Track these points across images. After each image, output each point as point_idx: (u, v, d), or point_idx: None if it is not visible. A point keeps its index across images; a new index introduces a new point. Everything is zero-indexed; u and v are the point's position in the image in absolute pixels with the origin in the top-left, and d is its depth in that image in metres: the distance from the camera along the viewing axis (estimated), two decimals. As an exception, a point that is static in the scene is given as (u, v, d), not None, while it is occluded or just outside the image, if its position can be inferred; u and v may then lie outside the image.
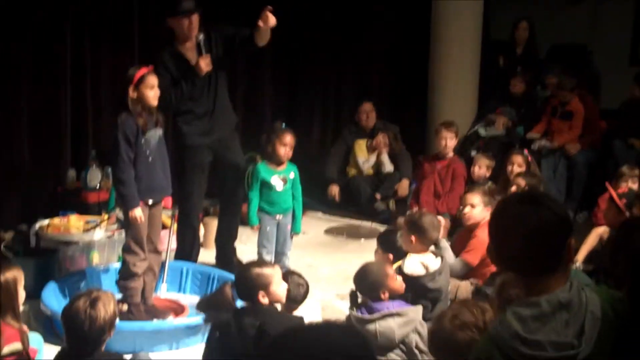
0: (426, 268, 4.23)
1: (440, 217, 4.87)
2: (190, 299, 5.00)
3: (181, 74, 5.09)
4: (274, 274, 3.54)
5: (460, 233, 5.32)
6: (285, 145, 5.09)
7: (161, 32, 6.73)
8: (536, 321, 2.12)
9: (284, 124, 5.26)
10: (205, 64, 5.04)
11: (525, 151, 6.35)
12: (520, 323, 2.12)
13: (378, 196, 7.40)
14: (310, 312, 4.41)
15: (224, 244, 5.57)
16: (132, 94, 4.30)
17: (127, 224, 4.50)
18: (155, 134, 4.46)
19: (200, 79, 5.11)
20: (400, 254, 4.38)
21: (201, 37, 5.09)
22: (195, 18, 5.09)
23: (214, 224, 5.85)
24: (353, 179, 7.54)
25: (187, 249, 5.42)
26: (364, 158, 7.60)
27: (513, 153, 6.25)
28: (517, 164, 6.07)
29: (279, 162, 5.17)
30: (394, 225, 5.55)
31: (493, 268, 4.68)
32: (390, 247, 4.49)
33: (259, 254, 5.16)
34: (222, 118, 5.32)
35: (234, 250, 5.59)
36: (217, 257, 5.59)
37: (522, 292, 2.23)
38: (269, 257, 5.15)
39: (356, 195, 7.45)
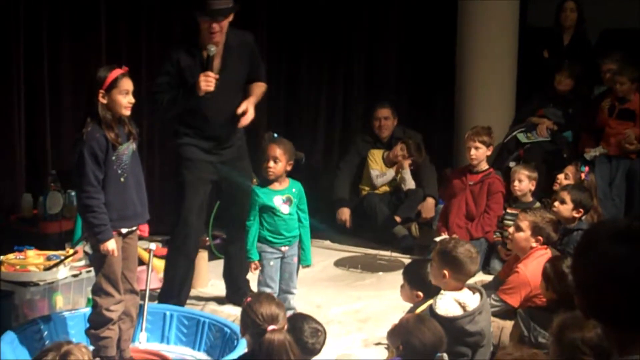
0: (463, 307, 4.22)
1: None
2: (175, 350, 4.98)
3: (191, 78, 5.16)
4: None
5: (508, 262, 5.40)
6: (268, 159, 5.08)
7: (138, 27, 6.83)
8: None
9: (275, 134, 5.28)
10: (205, 83, 5.08)
11: (587, 169, 6.42)
12: None
13: (398, 219, 7.41)
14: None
15: (237, 278, 5.72)
16: (102, 99, 4.31)
17: (96, 260, 4.48)
18: (129, 149, 4.45)
19: (208, 94, 5.16)
20: (432, 291, 4.37)
21: (213, 49, 5.14)
22: (223, 24, 5.14)
23: (203, 257, 5.88)
24: (367, 197, 7.55)
25: (176, 288, 5.46)
26: (377, 171, 7.59)
27: (568, 164, 6.46)
28: (565, 176, 6.34)
29: (269, 181, 5.17)
30: (422, 255, 5.56)
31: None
32: (420, 283, 4.48)
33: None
34: (233, 140, 5.47)
35: (247, 283, 5.74)
36: (230, 293, 5.74)
37: (614, 350, 2.18)
38: (273, 298, 5.14)
39: (371, 216, 7.45)
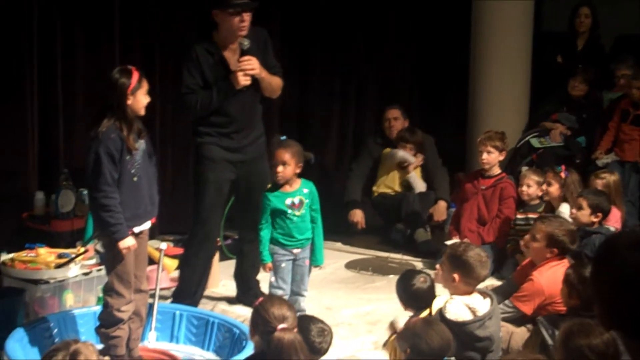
0: (473, 312, 4.19)
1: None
2: (184, 350, 4.98)
3: (215, 79, 5.20)
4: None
5: (523, 266, 5.33)
6: (277, 163, 5.06)
7: (151, 25, 6.85)
8: None
9: (283, 137, 5.27)
10: (243, 78, 5.13)
11: (563, 167, 6.39)
12: None
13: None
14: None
15: (248, 278, 5.75)
16: (128, 101, 4.31)
17: (109, 260, 4.47)
18: (140, 148, 4.45)
19: (235, 92, 5.20)
20: (421, 305, 4.29)
21: (247, 43, 5.18)
22: (248, 16, 5.17)
23: (214, 257, 5.85)
24: (408, 196, 7.42)
25: (192, 288, 5.48)
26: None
27: (547, 171, 6.45)
28: (548, 184, 6.36)
29: (279, 185, 5.15)
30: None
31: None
32: (408, 299, 4.38)
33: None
34: (253, 139, 5.47)
35: (258, 284, 5.77)
36: (240, 294, 5.77)
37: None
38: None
39: (402, 209, 7.35)
